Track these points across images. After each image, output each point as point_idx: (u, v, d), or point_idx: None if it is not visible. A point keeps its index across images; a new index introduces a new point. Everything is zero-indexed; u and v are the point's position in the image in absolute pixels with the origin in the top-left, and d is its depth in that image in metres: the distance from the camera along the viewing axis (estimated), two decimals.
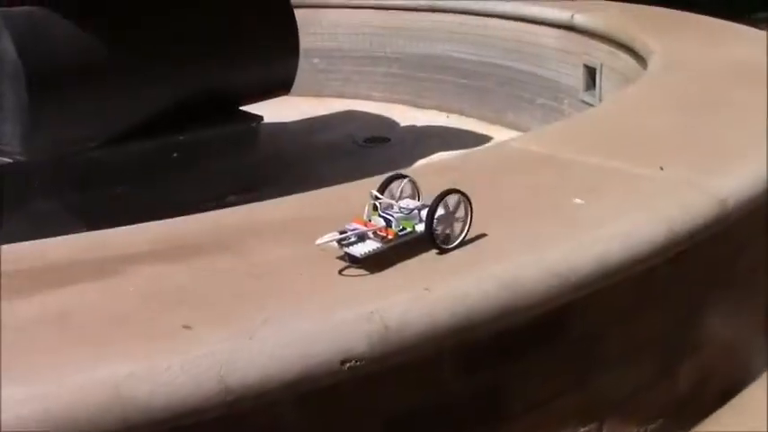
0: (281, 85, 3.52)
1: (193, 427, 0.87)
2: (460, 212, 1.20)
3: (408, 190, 1.25)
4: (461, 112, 4.66)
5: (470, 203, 1.19)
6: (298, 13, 5.20)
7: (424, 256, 1.15)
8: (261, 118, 3.30)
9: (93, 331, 0.92)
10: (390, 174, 1.25)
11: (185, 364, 0.87)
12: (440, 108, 4.82)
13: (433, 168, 1.44)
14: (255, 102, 3.43)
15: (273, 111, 4.46)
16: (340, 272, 1.10)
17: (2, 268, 1.05)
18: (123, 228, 1.23)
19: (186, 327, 0.94)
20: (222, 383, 0.86)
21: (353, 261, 1.13)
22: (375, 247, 1.13)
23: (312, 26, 5.22)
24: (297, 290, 1.04)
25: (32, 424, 0.78)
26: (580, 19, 3.71)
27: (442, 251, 1.17)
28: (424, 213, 1.16)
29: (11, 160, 2.66)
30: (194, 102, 3.07)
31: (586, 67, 3.69)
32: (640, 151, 1.57)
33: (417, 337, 0.98)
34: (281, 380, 0.89)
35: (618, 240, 1.17)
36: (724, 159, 1.50)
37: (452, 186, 1.17)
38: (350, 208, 1.19)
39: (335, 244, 1.12)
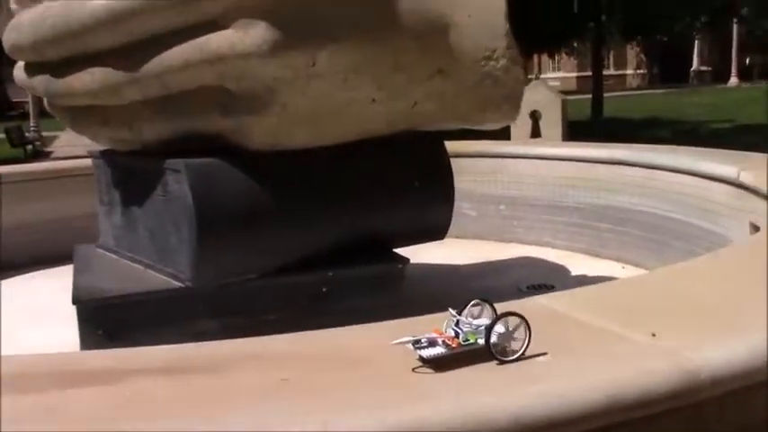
0: (434, 232, 3.78)
1: None
2: (519, 332, 1.43)
3: (487, 313, 1.51)
4: (638, 264, 4.60)
5: (528, 325, 1.43)
6: (485, 162, 5.59)
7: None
8: (407, 260, 3.56)
9: (59, 425, 1.20)
10: (474, 300, 1.54)
11: None
12: (619, 259, 4.80)
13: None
14: (408, 245, 3.70)
15: (453, 252, 4.75)
16: (413, 369, 1.38)
17: (43, 370, 1.39)
18: (155, 347, 1.53)
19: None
20: None
21: (423, 361, 1.39)
22: (440, 352, 1.38)
23: (499, 174, 5.53)
24: (228, 410, 1.25)
25: None
26: (746, 177, 3.60)
27: (501, 362, 1.39)
28: None
29: (183, 285, 3.16)
30: (346, 244, 3.43)
31: (752, 225, 3.54)
32: (656, 318, 1.58)
33: None
34: None
35: (542, 399, 1.24)
36: (735, 334, 1.47)
37: None
38: (352, 352, 1.40)
39: (411, 346, 1.40)
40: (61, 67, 3.03)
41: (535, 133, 9.19)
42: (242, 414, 1.23)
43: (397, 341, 1.40)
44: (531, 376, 1.32)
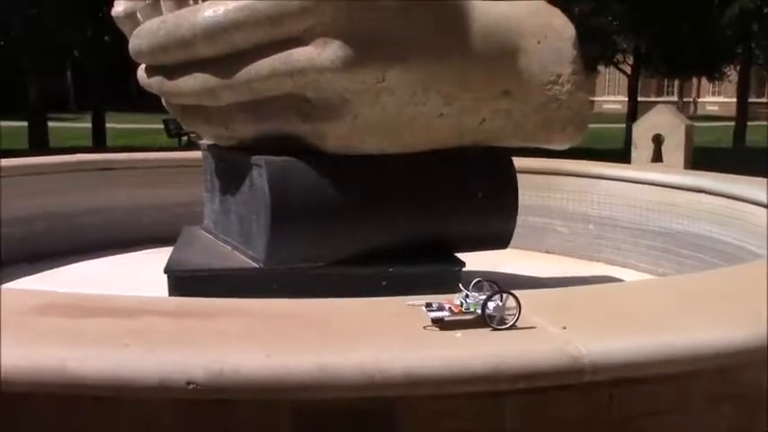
0: (496, 241, 4.04)
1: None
2: (512, 307, 1.77)
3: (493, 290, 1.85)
4: None
5: (519, 302, 1.77)
6: (578, 181, 5.73)
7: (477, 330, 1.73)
8: (463, 264, 3.84)
9: (71, 338, 1.63)
10: (479, 278, 1.91)
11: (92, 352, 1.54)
12: None
13: None
14: (470, 251, 3.98)
15: (538, 265, 4.95)
16: (424, 327, 1.74)
17: (79, 304, 1.84)
18: (169, 297, 1.96)
19: (125, 344, 1.60)
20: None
21: (432, 321, 1.74)
22: (444, 315, 1.75)
23: (590, 194, 5.66)
24: (198, 340, 1.64)
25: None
26: None
27: (494, 329, 1.73)
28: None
29: (257, 266, 3.61)
30: (410, 244, 3.77)
31: None
32: (581, 318, 1.83)
33: (238, 384, 1.50)
34: (146, 385, 1.50)
35: (438, 361, 1.54)
36: (630, 335, 1.70)
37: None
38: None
39: (423, 308, 1.78)
40: (172, 71, 3.58)
41: (657, 158, 9.07)
42: (211, 347, 1.62)
43: (411, 302, 1.77)
44: (433, 345, 1.63)
